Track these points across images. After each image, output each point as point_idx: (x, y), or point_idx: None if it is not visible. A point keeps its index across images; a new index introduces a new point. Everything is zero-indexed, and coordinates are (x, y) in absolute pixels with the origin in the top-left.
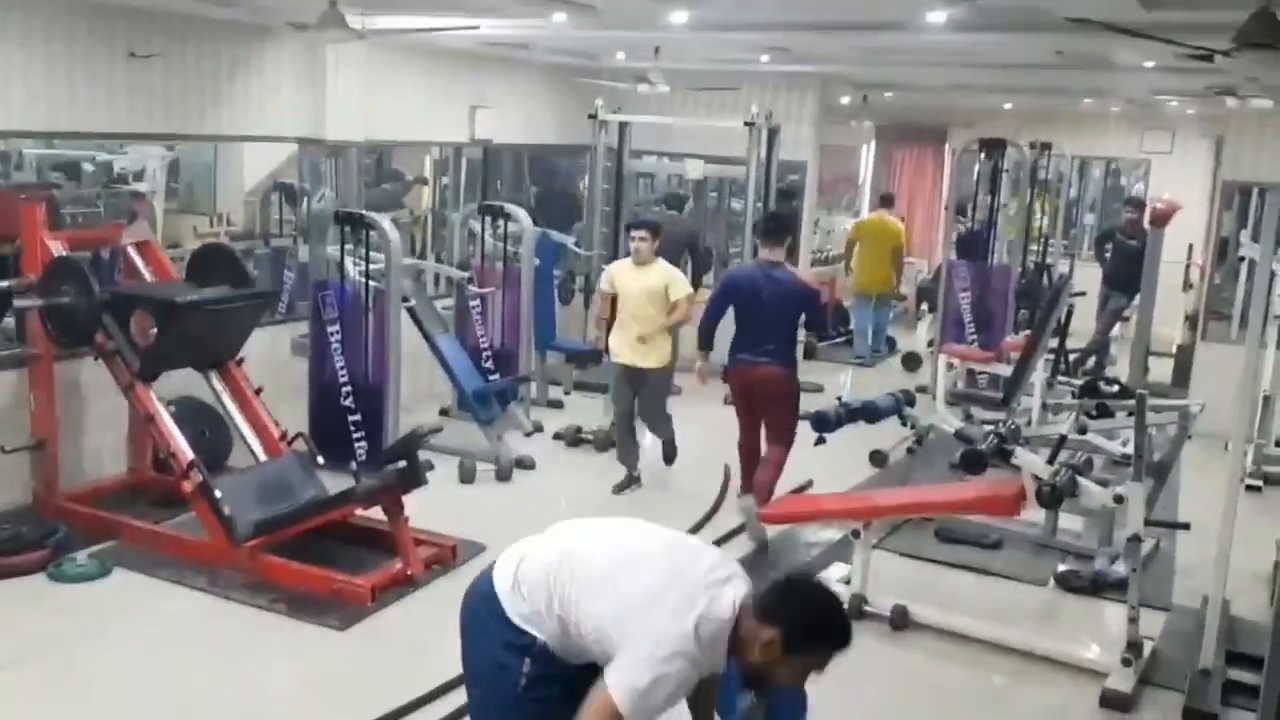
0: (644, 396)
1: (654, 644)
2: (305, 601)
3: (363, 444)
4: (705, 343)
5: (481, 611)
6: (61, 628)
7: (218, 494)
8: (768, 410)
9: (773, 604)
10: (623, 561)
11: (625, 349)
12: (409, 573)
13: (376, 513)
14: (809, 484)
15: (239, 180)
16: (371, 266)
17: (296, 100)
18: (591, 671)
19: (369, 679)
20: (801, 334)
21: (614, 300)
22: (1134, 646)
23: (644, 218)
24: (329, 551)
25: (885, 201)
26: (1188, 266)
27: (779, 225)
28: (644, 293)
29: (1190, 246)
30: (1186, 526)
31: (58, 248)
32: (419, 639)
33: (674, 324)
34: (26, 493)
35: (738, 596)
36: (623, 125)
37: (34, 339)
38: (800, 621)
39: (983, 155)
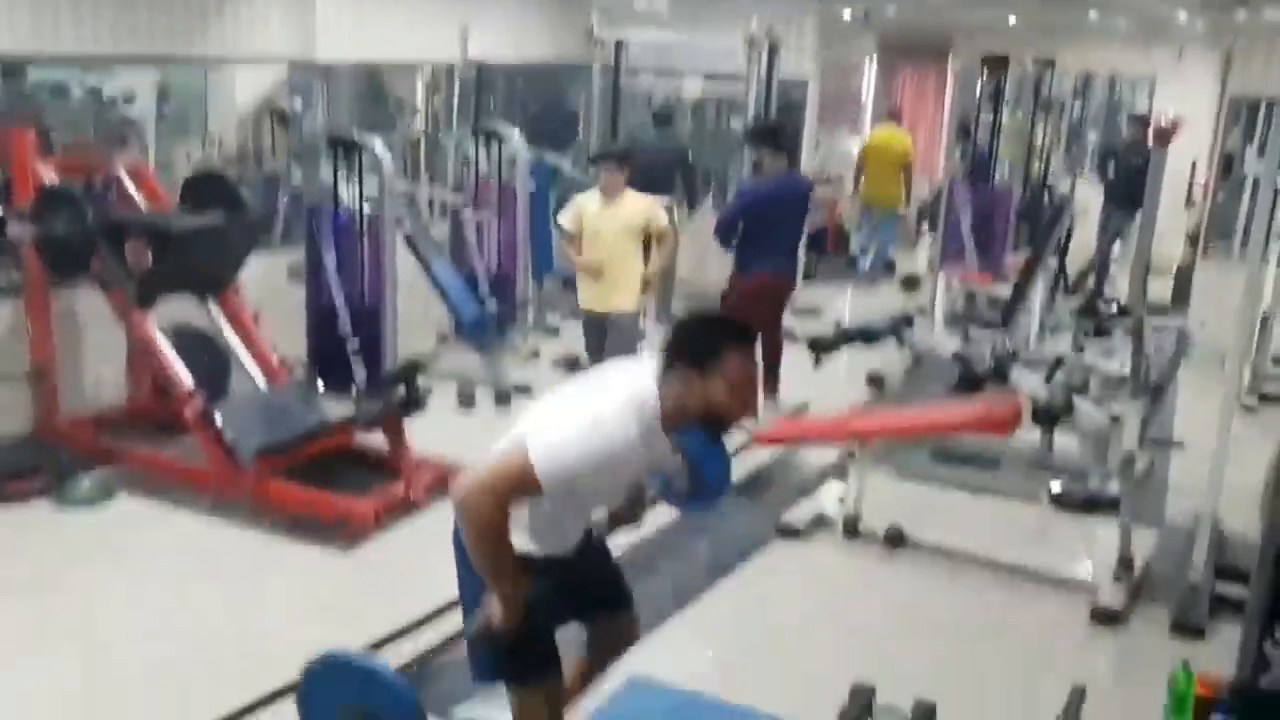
0: (613, 345)
1: (579, 412)
2: (308, 525)
3: (361, 370)
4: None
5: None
6: (66, 553)
7: (219, 420)
8: (774, 320)
9: (669, 355)
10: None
11: (593, 294)
12: (410, 497)
13: (377, 438)
14: (806, 406)
15: (230, 104)
16: (366, 191)
17: (286, 19)
18: (567, 568)
19: (371, 601)
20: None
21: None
22: (1125, 563)
23: (609, 147)
24: (331, 476)
25: (892, 115)
26: (1190, 184)
27: (781, 132)
28: (619, 231)
29: (1194, 164)
30: (1180, 445)
31: (49, 175)
32: (420, 562)
33: (663, 266)
34: (27, 420)
35: (652, 372)
36: (619, 43)
37: (28, 267)
38: (694, 340)
39: (985, 73)
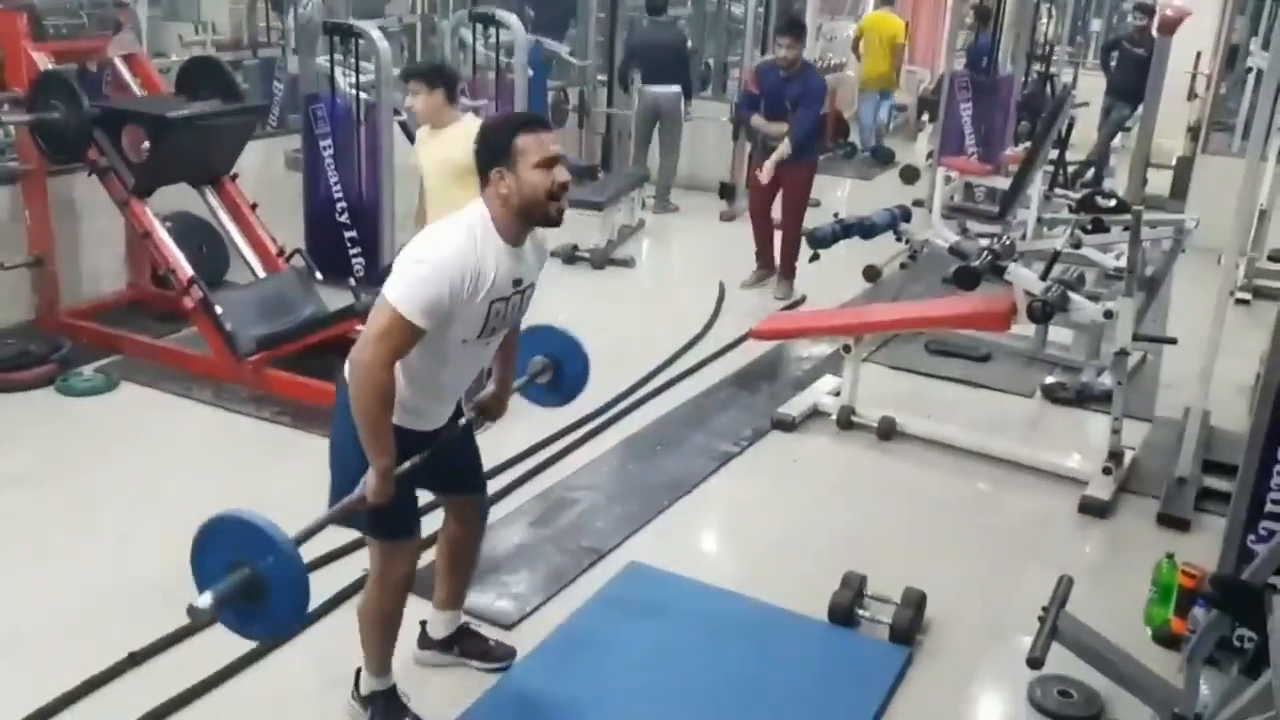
0: None
1: (421, 247)
2: (309, 414)
3: (359, 260)
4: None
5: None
6: (70, 441)
7: (218, 310)
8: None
9: (479, 171)
10: None
11: None
12: None
13: None
14: (802, 299)
15: None
16: (362, 78)
17: None
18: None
19: None
20: None
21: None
22: (1115, 456)
23: (417, 64)
24: (331, 366)
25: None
26: (1194, 76)
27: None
28: (439, 166)
29: (1198, 55)
30: (1174, 341)
31: (43, 60)
32: None
33: None
34: (29, 309)
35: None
36: None
37: (24, 154)
38: (490, 143)
39: None
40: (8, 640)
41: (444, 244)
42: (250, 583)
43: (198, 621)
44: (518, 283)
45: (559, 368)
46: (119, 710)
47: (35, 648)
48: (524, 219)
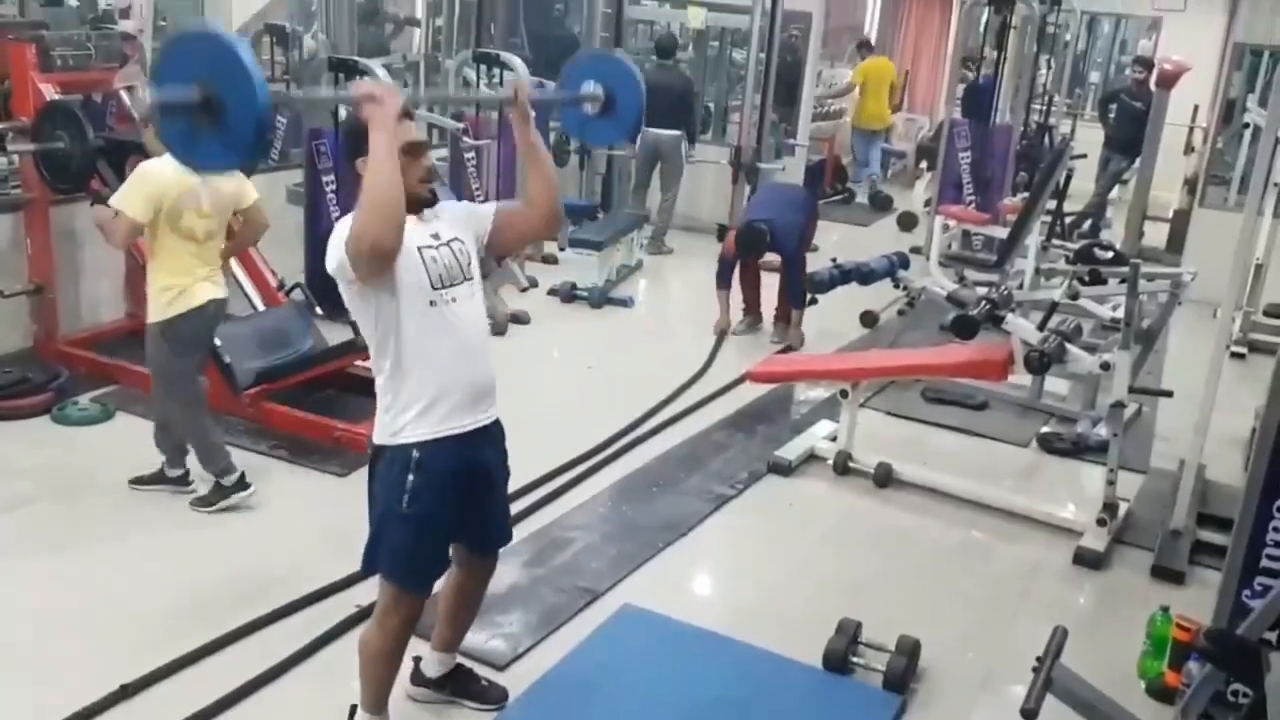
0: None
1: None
2: (306, 448)
3: None
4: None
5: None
6: (65, 470)
7: (217, 342)
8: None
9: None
10: None
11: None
12: None
13: None
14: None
15: (228, 19)
16: None
17: None
18: (463, 485)
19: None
20: None
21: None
22: (1110, 508)
23: None
24: (329, 401)
25: (866, 45)
26: (1191, 130)
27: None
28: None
29: (1195, 109)
30: (1169, 394)
31: (49, 91)
32: None
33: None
34: (27, 337)
35: None
36: None
37: (28, 182)
38: (354, 132)
39: (990, 8)
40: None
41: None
42: (208, 100)
43: (140, 116)
44: (435, 236)
45: (612, 98)
46: None
47: (27, 676)
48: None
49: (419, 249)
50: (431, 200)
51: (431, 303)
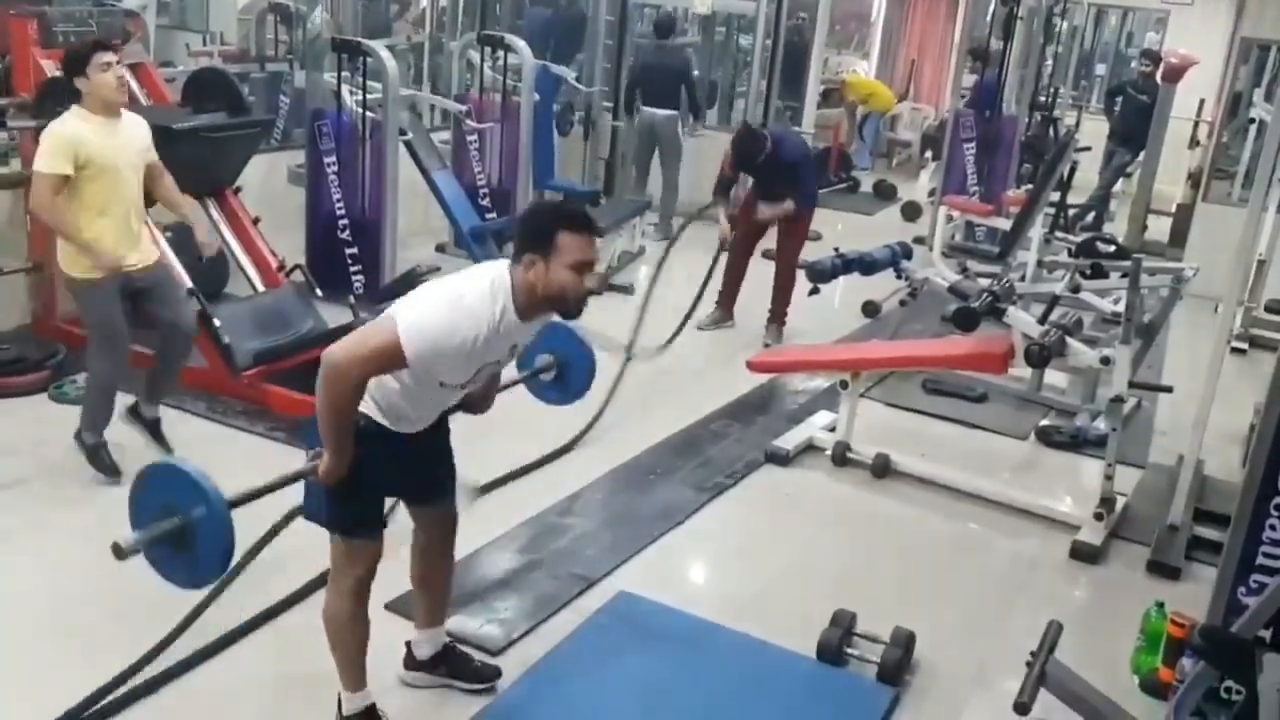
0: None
1: (444, 292)
2: (305, 429)
3: (360, 277)
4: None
5: None
6: (63, 449)
7: (216, 323)
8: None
9: (516, 245)
10: None
11: (122, 247)
12: None
13: None
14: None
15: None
16: (369, 96)
17: None
18: (408, 446)
19: None
20: None
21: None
22: (1107, 502)
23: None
24: None
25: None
26: (1196, 124)
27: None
28: (133, 158)
29: (1201, 103)
30: (1169, 389)
31: (50, 67)
32: None
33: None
34: (26, 315)
35: (506, 265)
36: None
37: (27, 159)
38: (533, 227)
39: None
40: None
41: (474, 298)
42: (180, 530)
43: (119, 558)
44: (513, 349)
45: (565, 366)
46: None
47: (20, 654)
48: (543, 307)
49: (484, 364)
50: (576, 314)
51: (442, 384)
